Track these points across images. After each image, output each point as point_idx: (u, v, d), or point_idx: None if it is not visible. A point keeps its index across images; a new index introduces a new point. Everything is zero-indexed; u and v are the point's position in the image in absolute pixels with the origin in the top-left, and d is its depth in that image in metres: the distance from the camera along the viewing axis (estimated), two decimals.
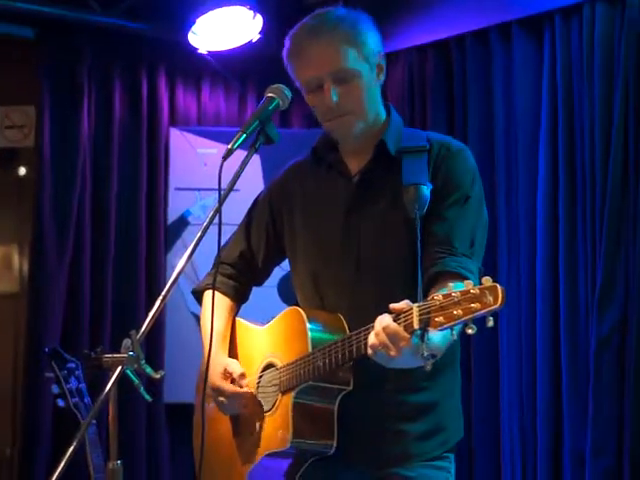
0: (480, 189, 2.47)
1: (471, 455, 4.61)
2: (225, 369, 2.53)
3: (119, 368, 2.05)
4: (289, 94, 2.35)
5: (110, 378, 2.05)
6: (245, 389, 2.51)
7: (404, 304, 2.07)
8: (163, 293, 2.13)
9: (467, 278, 2.25)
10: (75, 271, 4.71)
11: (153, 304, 2.12)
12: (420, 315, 2.01)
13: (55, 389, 3.23)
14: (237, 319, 2.71)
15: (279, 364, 2.47)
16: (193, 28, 4.71)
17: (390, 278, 2.40)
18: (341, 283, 2.45)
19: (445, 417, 2.46)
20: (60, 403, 3.23)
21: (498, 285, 1.93)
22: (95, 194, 4.82)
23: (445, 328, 1.98)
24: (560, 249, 4.35)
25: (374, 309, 2.17)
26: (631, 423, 4.02)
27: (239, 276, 2.71)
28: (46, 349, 3.30)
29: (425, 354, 2.01)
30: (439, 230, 2.37)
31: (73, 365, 3.27)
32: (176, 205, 4.98)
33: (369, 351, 2.12)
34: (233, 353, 2.64)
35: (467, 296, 1.95)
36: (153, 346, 4.78)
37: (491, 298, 1.93)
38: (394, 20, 4.77)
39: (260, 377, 2.53)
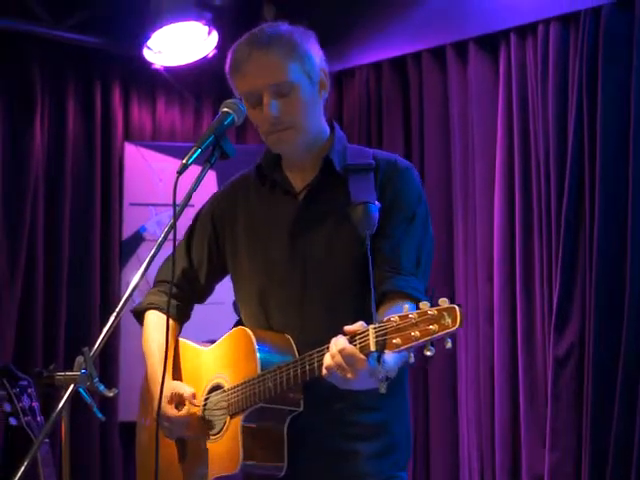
0: (426, 208, 2.47)
1: (428, 475, 4.60)
2: (172, 393, 2.47)
3: (71, 386, 2.02)
4: (244, 109, 2.34)
5: (62, 396, 2.02)
6: (189, 412, 2.45)
7: (359, 325, 2.06)
8: (117, 309, 2.11)
9: (416, 298, 2.24)
10: (28, 287, 4.65)
11: (107, 320, 2.09)
12: (376, 337, 1.99)
13: (7, 407, 3.18)
14: (180, 340, 2.64)
15: (226, 386, 2.42)
16: (148, 43, 4.69)
17: (337, 297, 2.38)
18: (288, 302, 2.42)
19: (396, 437, 2.43)
20: (12, 422, 3.18)
21: (456, 307, 1.92)
22: (48, 209, 4.77)
23: (402, 350, 1.97)
24: (517, 268, 4.37)
25: (321, 329, 2.17)
26: (590, 443, 4.03)
27: (181, 295, 2.64)
28: None
29: (380, 376, 2.00)
30: (386, 249, 2.35)
31: (25, 383, 3.23)
32: (131, 220, 4.94)
33: (324, 372, 2.10)
34: (177, 375, 2.59)
35: (424, 317, 1.94)
36: (108, 363, 4.73)
37: (449, 320, 1.92)
38: (350, 37, 4.78)
39: (206, 399, 2.48)
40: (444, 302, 1.94)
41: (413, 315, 1.96)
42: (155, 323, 2.62)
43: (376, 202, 2.34)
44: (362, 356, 2.03)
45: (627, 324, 3.97)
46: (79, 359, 2.05)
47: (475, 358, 4.50)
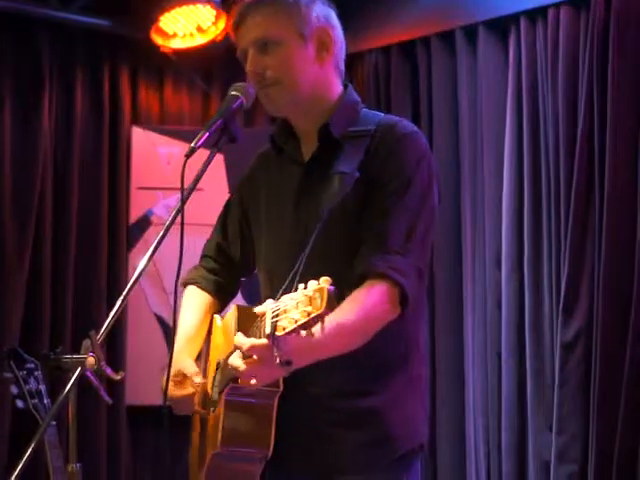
0: (428, 176, 2.32)
1: (435, 460, 4.61)
2: (178, 371, 2.40)
3: (78, 369, 2.02)
4: (253, 92, 2.30)
5: (69, 380, 2.02)
6: (189, 391, 2.40)
7: (264, 307, 1.95)
8: (124, 293, 2.10)
9: (394, 280, 2.16)
10: (35, 269, 4.65)
11: (114, 304, 2.08)
12: (272, 319, 1.87)
13: (14, 390, 3.19)
14: (216, 316, 2.58)
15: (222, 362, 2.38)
16: (156, 25, 4.67)
17: (334, 269, 2.15)
18: (288, 273, 2.31)
19: (394, 426, 2.30)
20: (19, 404, 3.19)
21: (325, 287, 1.78)
22: (56, 192, 4.76)
23: (290, 332, 1.83)
24: (525, 253, 4.35)
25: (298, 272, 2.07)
26: (596, 429, 4.02)
27: (221, 269, 2.61)
28: (4, 349, 3.25)
29: (277, 360, 1.89)
30: (373, 224, 2.24)
31: (32, 366, 3.23)
32: (138, 204, 4.94)
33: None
34: (207, 352, 2.55)
35: (303, 298, 1.80)
36: (114, 347, 4.73)
37: (319, 301, 1.78)
38: (358, 20, 4.75)
39: (214, 376, 2.45)
40: (326, 282, 1.79)
41: (297, 296, 1.81)
42: (187, 298, 2.58)
43: (355, 172, 2.24)
44: (259, 342, 1.96)
45: (635, 309, 3.95)
46: (86, 342, 2.05)
47: (482, 343, 4.49)
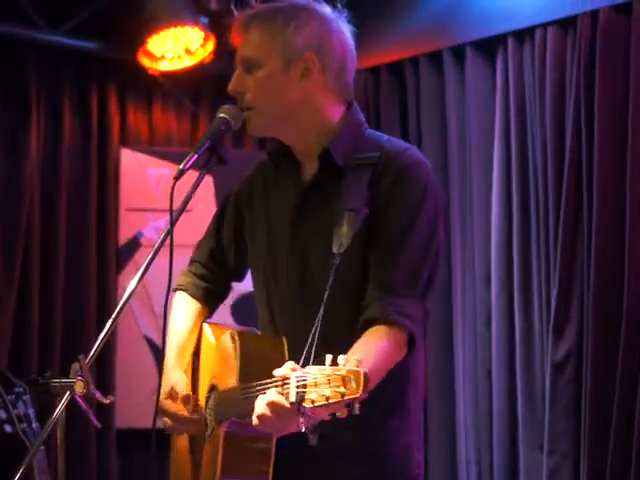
0: (434, 210, 2.24)
1: (427, 477, 4.58)
2: (172, 387, 2.39)
3: (67, 394, 2.00)
4: (241, 114, 2.29)
5: (58, 404, 2.01)
6: (184, 413, 2.37)
7: (288, 370, 1.93)
8: (114, 315, 2.09)
9: (404, 325, 2.14)
10: (23, 292, 4.62)
11: (104, 327, 2.08)
12: (297, 387, 1.85)
13: (2, 414, 3.17)
14: (206, 324, 2.55)
15: (219, 388, 2.35)
16: (144, 47, 4.67)
17: (333, 305, 2.17)
18: (286, 302, 2.34)
19: (390, 461, 2.30)
20: (7, 429, 3.16)
21: (362, 371, 1.77)
22: (44, 214, 4.74)
23: (319, 408, 1.81)
24: (514, 271, 4.36)
25: (318, 334, 2.06)
26: (588, 449, 4.01)
27: (210, 275, 2.57)
28: None
29: (303, 428, 1.86)
30: (378, 264, 2.19)
31: (21, 389, 3.21)
32: (127, 226, 4.92)
33: (255, 421, 2.00)
34: (196, 363, 2.51)
35: (336, 375, 1.78)
36: (104, 369, 4.71)
37: (354, 385, 1.77)
38: None
39: (208, 397, 2.41)
40: (354, 362, 1.78)
41: (328, 371, 1.79)
42: (177, 306, 2.56)
43: (365, 209, 2.19)
44: (287, 405, 1.91)
45: (625, 328, 3.95)
46: (75, 366, 2.04)
47: (473, 361, 4.49)
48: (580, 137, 4.14)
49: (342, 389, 1.77)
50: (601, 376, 4.01)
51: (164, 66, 4.81)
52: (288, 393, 1.88)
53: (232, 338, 2.28)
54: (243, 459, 2.22)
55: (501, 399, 4.37)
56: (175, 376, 2.43)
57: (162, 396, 2.39)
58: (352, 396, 1.77)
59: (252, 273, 2.50)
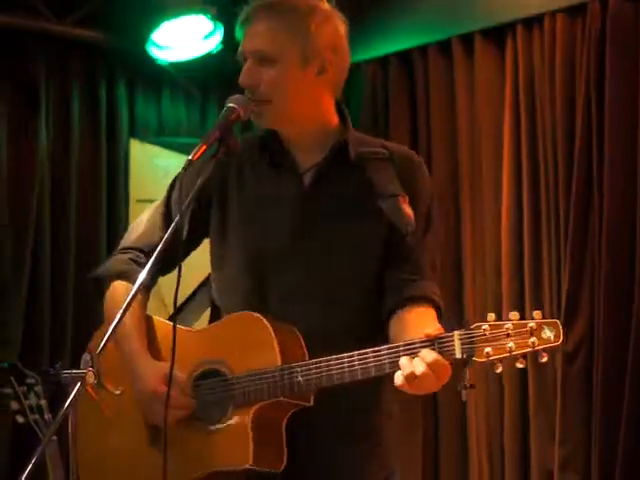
0: (436, 206, 2.44)
1: (437, 469, 4.60)
2: (165, 374, 2.28)
3: (78, 384, 2.01)
4: (250, 104, 2.28)
5: (70, 394, 2.01)
6: (188, 398, 2.33)
7: (439, 329, 2.07)
8: (124, 306, 2.09)
9: (437, 304, 2.28)
10: (34, 283, 4.63)
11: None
12: (462, 344, 2.01)
13: (14, 405, 3.18)
14: (153, 317, 2.50)
15: (228, 373, 2.31)
16: (153, 38, 4.67)
17: (342, 291, 2.30)
18: (288, 293, 2.33)
19: (386, 439, 2.39)
20: (20, 420, 3.17)
21: (557, 321, 1.95)
22: (54, 206, 4.74)
23: (493, 360, 1.98)
24: (524, 262, 4.35)
25: (320, 324, 2.16)
26: (599, 438, 4.01)
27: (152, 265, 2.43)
28: (5, 364, 3.24)
29: (467, 384, 1.99)
30: (406, 249, 2.31)
31: (33, 381, 3.21)
32: (137, 217, 4.91)
33: (400, 380, 2.05)
34: (156, 355, 2.42)
35: (521, 330, 1.96)
36: None
37: (551, 335, 1.94)
38: (355, 31, 4.74)
39: (197, 385, 2.35)
40: (538, 314, 1.96)
41: (509, 326, 1.98)
42: (123, 296, 2.28)
43: (404, 195, 2.29)
44: (447, 363, 2.03)
45: (636, 317, 3.95)
46: (85, 357, 2.04)
47: None
48: (590, 125, 4.12)
49: (533, 339, 1.94)
50: (612, 366, 4.00)
51: (173, 56, 4.81)
52: (450, 351, 2.01)
53: (253, 321, 2.26)
54: (265, 441, 2.24)
55: (512, 389, 4.36)
56: (159, 362, 2.38)
57: (157, 382, 2.33)
58: (550, 345, 1.94)
59: (220, 268, 2.43)
